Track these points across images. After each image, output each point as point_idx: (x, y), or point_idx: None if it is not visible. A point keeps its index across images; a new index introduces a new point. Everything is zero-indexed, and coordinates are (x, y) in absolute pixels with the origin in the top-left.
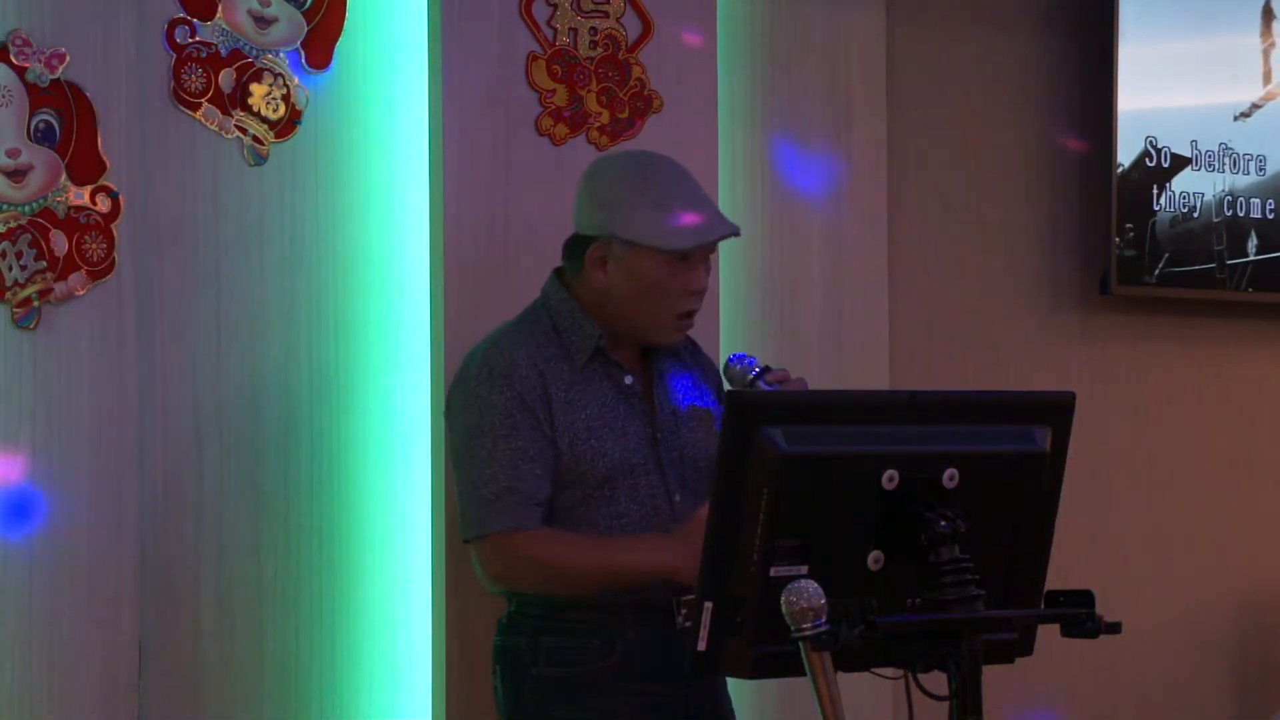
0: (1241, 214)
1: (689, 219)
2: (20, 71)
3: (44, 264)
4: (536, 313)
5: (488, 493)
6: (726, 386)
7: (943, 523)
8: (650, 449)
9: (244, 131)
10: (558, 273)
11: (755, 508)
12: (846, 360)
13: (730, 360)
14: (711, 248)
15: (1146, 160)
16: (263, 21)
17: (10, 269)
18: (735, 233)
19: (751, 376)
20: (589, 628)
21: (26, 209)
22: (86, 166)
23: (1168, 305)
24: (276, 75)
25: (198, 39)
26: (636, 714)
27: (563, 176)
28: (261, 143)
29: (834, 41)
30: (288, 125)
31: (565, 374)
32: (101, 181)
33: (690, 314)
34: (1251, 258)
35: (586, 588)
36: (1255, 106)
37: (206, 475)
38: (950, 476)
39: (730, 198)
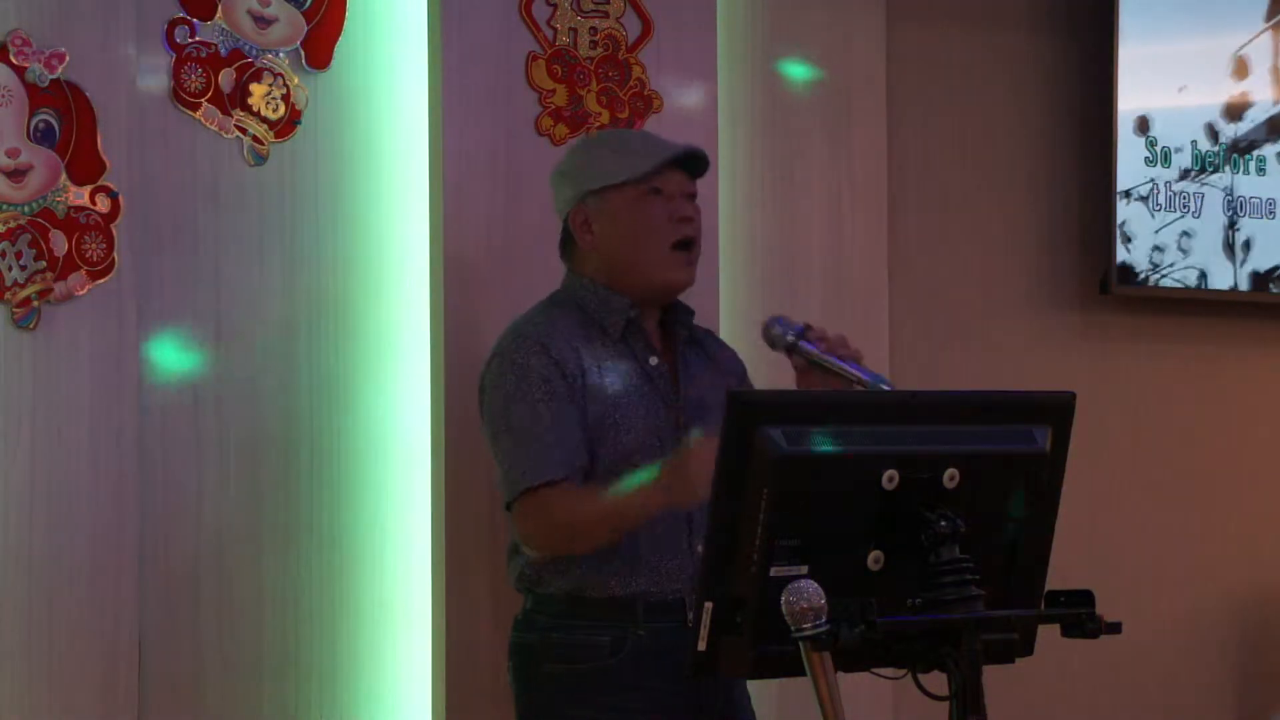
0: (1241, 214)
1: (647, 147)
2: (20, 71)
3: (44, 264)
4: (561, 299)
5: (534, 448)
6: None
7: (943, 523)
8: (672, 431)
9: (244, 131)
10: (569, 271)
11: (755, 508)
12: None
13: (769, 324)
14: (687, 181)
15: (1146, 160)
16: (263, 21)
17: (10, 269)
18: (698, 152)
19: (792, 337)
20: (600, 625)
21: (26, 209)
22: (86, 166)
23: (1168, 305)
24: (276, 75)
25: (198, 39)
26: (647, 711)
27: None
28: (261, 143)
29: (834, 41)
30: (288, 125)
31: (597, 349)
32: (101, 181)
33: (686, 244)
34: (1251, 258)
35: (604, 542)
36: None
37: (206, 475)
38: (950, 476)
39: (730, 197)
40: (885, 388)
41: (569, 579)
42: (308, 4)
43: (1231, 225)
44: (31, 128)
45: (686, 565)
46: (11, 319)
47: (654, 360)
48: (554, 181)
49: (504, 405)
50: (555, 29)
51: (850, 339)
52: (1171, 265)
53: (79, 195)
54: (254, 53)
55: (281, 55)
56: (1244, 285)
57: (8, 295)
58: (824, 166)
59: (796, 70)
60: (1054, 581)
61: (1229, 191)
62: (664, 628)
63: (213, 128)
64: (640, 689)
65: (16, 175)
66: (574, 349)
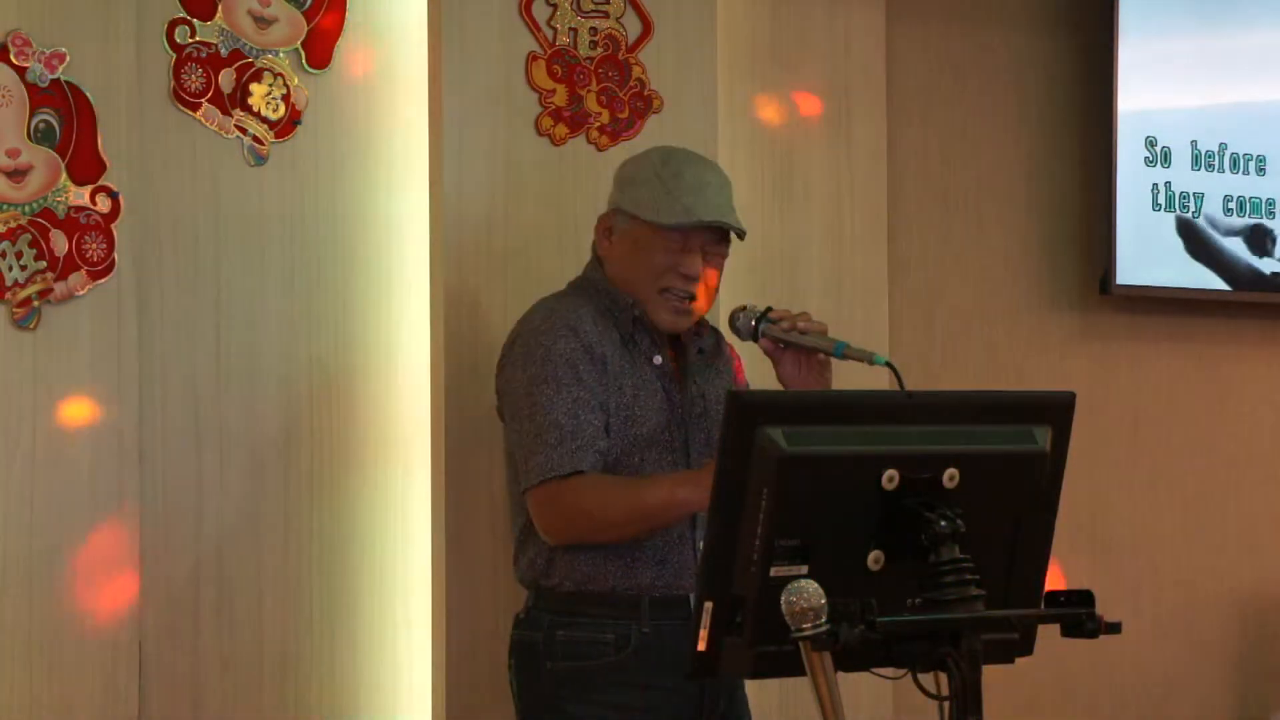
0: (1241, 214)
1: (689, 202)
2: (20, 71)
3: (44, 264)
4: (582, 286)
5: (551, 438)
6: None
7: (943, 523)
8: (677, 428)
9: (244, 131)
10: (594, 258)
11: (755, 508)
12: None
13: (733, 316)
14: (716, 242)
15: (1146, 160)
16: (263, 21)
17: (10, 269)
18: (736, 228)
19: (755, 321)
20: (603, 622)
21: (26, 209)
22: (86, 166)
23: (1168, 305)
24: (276, 75)
25: (198, 39)
26: (650, 708)
27: (562, 176)
28: (261, 143)
29: (834, 41)
30: (288, 125)
31: (616, 340)
32: (101, 181)
33: (681, 297)
34: (1251, 258)
35: (624, 532)
36: None
37: (206, 475)
38: (950, 476)
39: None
40: (847, 351)
41: (575, 573)
42: (308, 4)
43: (1231, 225)
44: (31, 128)
45: (690, 562)
46: (11, 319)
47: (658, 359)
48: (616, 174)
49: (527, 388)
50: (555, 29)
51: (813, 314)
52: (1171, 265)
53: (79, 195)
54: (254, 53)
55: (281, 55)
56: (1244, 285)
57: (8, 295)
58: (824, 166)
59: (796, 70)
60: (1054, 582)
61: (1229, 191)
62: (668, 625)
63: (213, 128)
64: (644, 686)
65: (17, 175)
66: (600, 334)
